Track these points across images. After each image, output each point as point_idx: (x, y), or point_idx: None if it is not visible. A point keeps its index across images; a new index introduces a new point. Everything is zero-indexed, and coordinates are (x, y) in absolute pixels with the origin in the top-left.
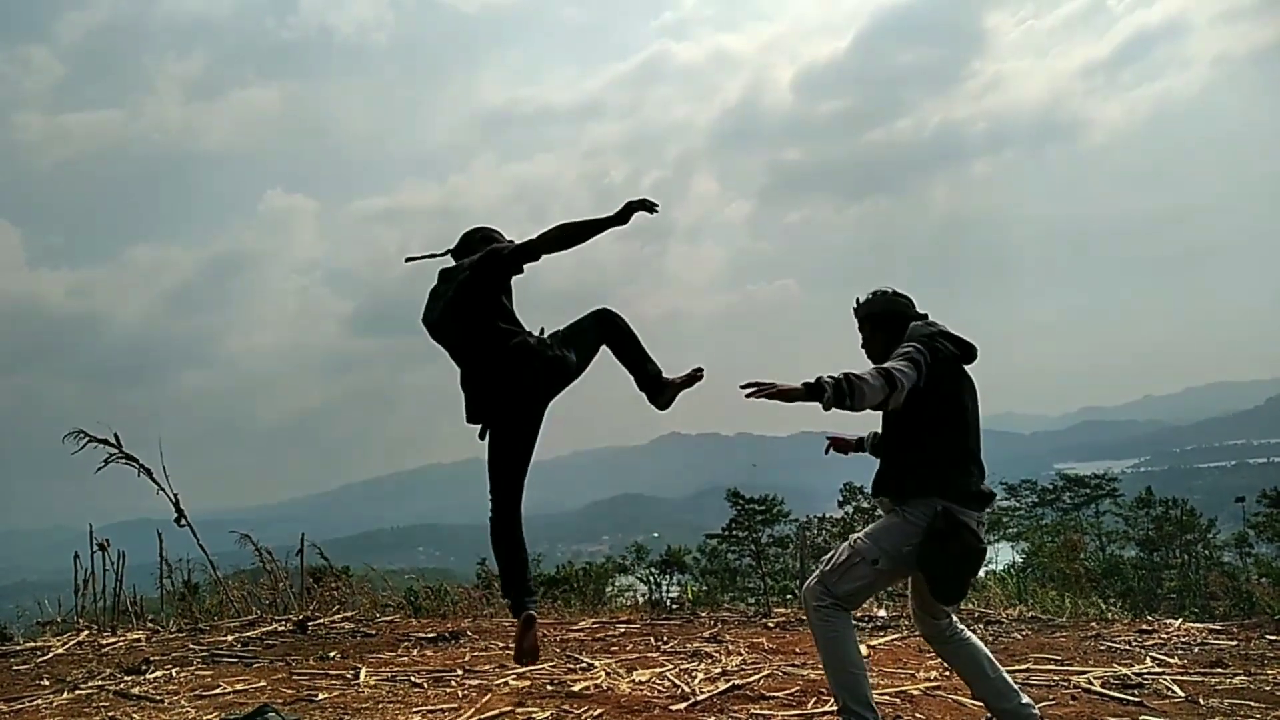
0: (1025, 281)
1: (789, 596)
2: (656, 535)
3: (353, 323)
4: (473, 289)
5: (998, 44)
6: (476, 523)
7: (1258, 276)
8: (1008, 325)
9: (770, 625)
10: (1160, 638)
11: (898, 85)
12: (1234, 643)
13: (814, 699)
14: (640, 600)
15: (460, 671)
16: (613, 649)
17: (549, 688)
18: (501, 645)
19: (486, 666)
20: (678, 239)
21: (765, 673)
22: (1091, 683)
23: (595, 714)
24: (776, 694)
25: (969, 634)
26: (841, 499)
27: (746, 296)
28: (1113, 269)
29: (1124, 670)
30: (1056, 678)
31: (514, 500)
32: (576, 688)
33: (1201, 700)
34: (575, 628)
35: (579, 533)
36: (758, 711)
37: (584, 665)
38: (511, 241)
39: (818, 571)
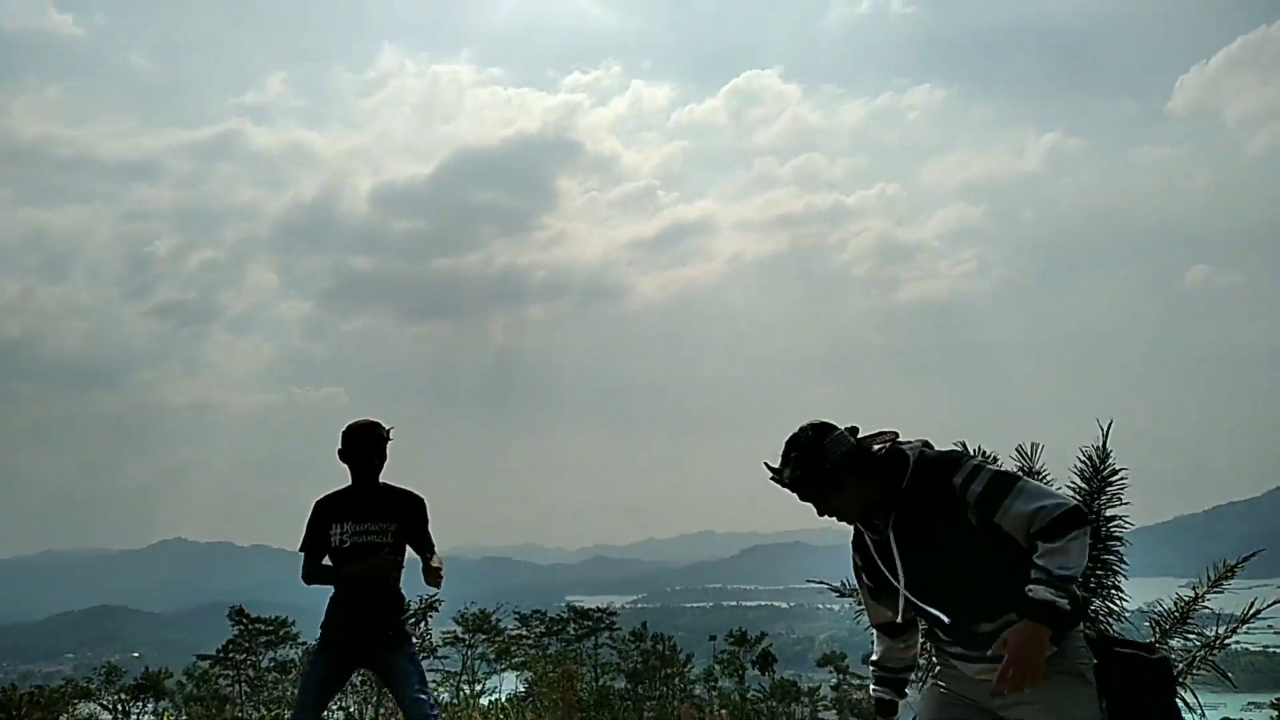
0: (566, 421)
1: None
2: (137, 655)
3: None
4: None
5: (566, 205)
6: None
7: (739, 446)
8: (545, 459)
9: None
10: None
11: (472, 220)
12: None
13: None
14: None
15: None
16: None
17: None
18: None
19: None
20: (223, 325)
21: None
22: None
23: None
24: None
25: None
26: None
27: (290, 398)
28: (638, 420)
29: None
30: None
31: None
32: None
33: None
34: None
35: (37, 649)
36: None
37: None
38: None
39: None
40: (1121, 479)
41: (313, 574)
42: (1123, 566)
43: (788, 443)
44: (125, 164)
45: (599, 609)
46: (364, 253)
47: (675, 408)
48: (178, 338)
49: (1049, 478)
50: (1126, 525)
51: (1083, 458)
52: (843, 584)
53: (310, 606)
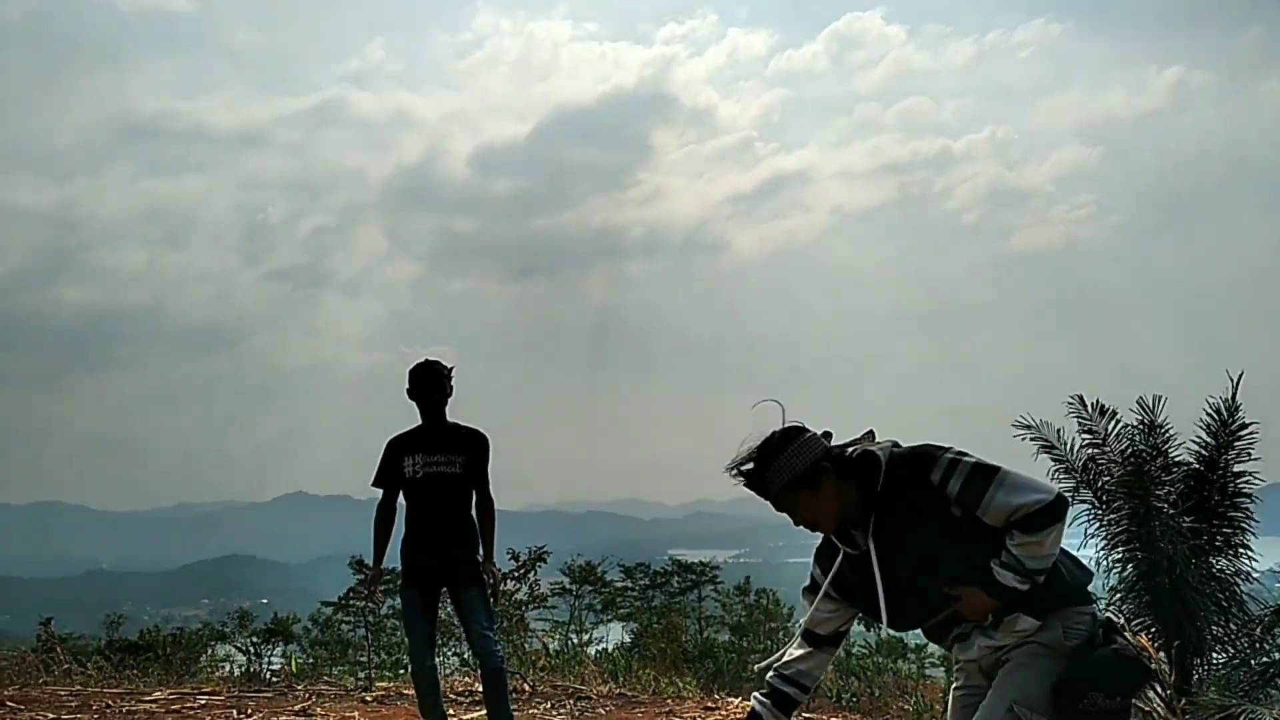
0: (665, 376)
1: (401, 671)
2: (265, 601)
3: None
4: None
5: (662, 160)
6: (46, 576)
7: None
8: (644, 416)
9: (368, 700)
10: (721, 714)
11: (570, 178)
12: None
13: None
14: (236, 672)
15: None
16: None
17: None
18: (52, 716)
19: None
20: (335, 288)
21: None
22: None
23: None
24: None
25: None
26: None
27: (400, 357)
28: (737, 375)
29: None
30: None
31: None
32: None
33: None
34: (147, 698)
35: (173, 595)
36: None
37: None
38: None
39: None
40: (1251, 433)
41: (378, 521)
42: (1252, 524)
43: (758, 446)
44: (237, 134)
45: (702, 563)
46: (466, 214)
47: (775, 363)
48: (292, 301)
49: (1171, 432)
50: (1257, 481)
51: (1209, 411)
52: None
53: None
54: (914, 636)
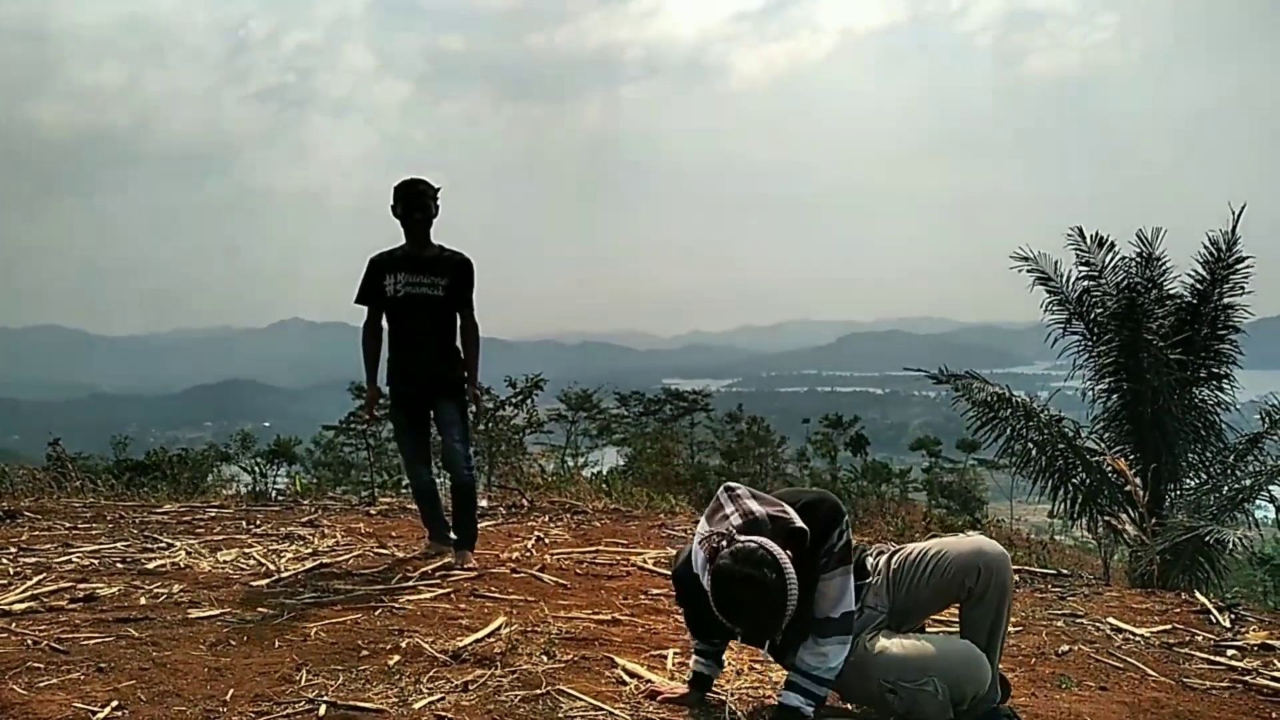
0: (663, 206)
1: (404, 490)
2: (267, 425)
3: None
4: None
5: None
6: (50, 399)
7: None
8: (641, 246)
9: (372, 512)
10: None
11: None
12: None
13: (399, 575)
14: (243, 490)
15: (15, 550)
16: (198, 530)
17: (119, 565)
18: (68, 525)
19: (48, 545)
20: (321, 111)
21: (356, 553)
22: (646, 562)
23: (170, 589)
24: (364, 571)
25: None
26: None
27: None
28: (733, 207)
29: (675, 552)
30: (619, 558)
31: None
32: (151, 565)
33: None
34: (159, 510)
35: (176, 418)
36: (341, 586)
37: (163, 545)
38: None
39: None
40: (1247, 267)
41: (366, 338)
42: (1238, 357)
43: (743, 584)
44: None
45: (695, 391)
46: (455, 29)
47: (777, 192)
48: (279, 123)
49: (1168, 263)
50: (1247, 315)
51: (1208, 244)
52: (941, 370)
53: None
54: (899, 462)
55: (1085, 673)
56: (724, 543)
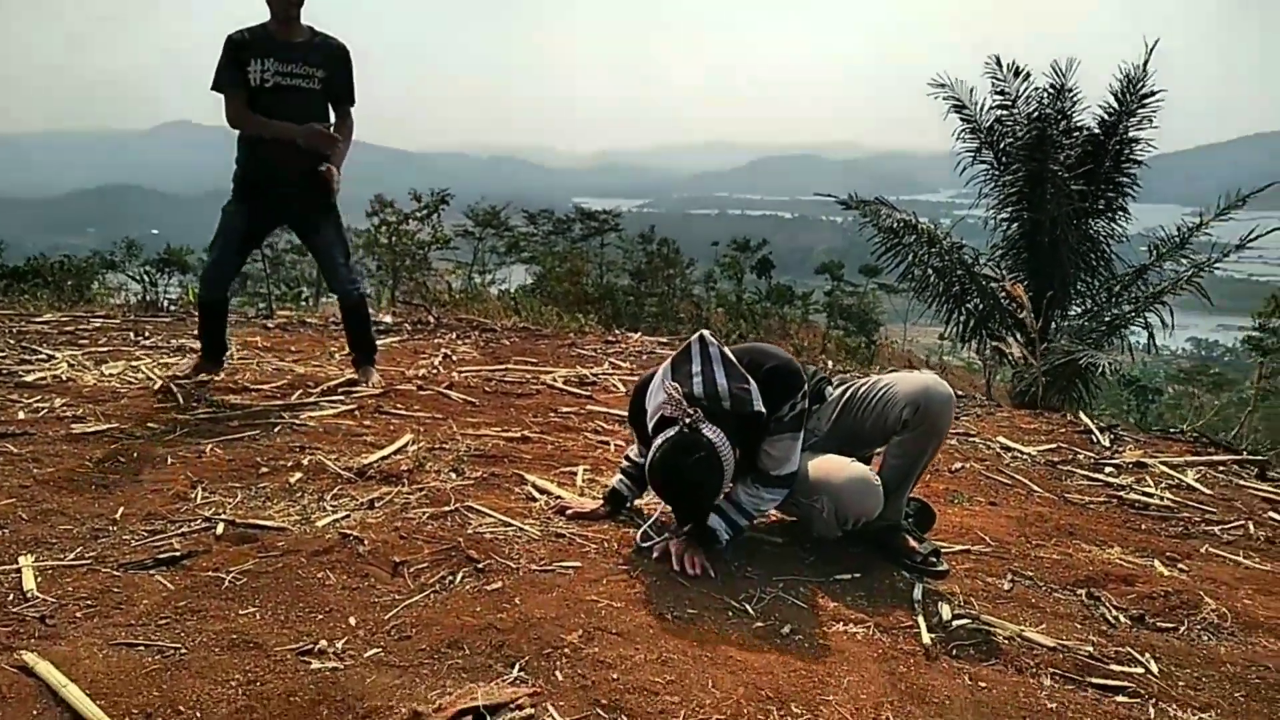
0: (577, 15)
1: (304, 300)
2: (155, 233)
3: None
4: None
5: None
6: None
7: (767, 47)
8: (557, 54)
9: (269, 326)
10: (620, 347)
11: None
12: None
13: (299, 391)
14: (132, 300)
15: None
16: (82, 342)
17: None
18: None
19: None
20: None
21: (251, 365)
22: (556, 380)
23: (51, 403)
24: (261, 386)
25: None
26: (371, 209)
27: None
28: (658, 11)
29: (585, 371)
30: (529, 376)
31: None
32: (30, 378)
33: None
34: (38, 320)
35: (57, 224)
36: (238, 402)
37: (43, 357)
38: None
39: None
40: (1157, 100)
41: (245, 119)
42: (1135, 189)
43: (677, 475)
44: None
45: (605, 211)
46: None
47: (696, 6)
48: None
49: (1079, 95)
50: (1150, 149)
51: (1120, 76)
52: (851, 195)
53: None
54: (803, 285)
55: (976, 489)
56: (681, 416)
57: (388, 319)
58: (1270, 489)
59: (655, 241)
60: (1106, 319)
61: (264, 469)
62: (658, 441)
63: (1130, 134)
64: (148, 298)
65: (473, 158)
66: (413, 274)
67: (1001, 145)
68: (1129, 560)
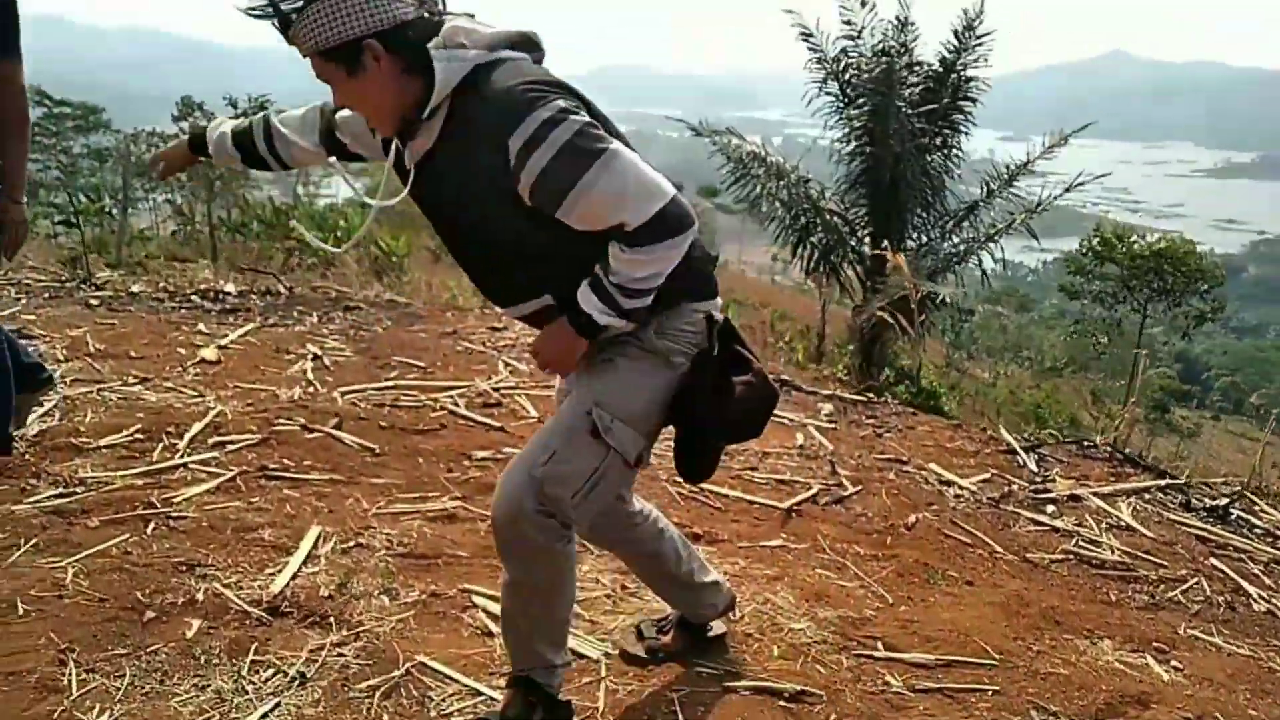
0: None
1: (110, 214)
2: None
3: None
4: None
5: None
6: None
7: None
8: None
9: (95, 302)
10: (509, 337)
11: None
12: None
13: (160, 441)
14: None
15: None
16: None
17: None
18: None
19: None
20: None
21: (91, 396)
22: (458, 404)
23: None
24: (108, 440)
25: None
26: (178, 113)
27: None
28: None
29: (483, 385)
30: (422, 395)
31: None
32: None
33: None
34: None
35: None
36: (91, 475)
37: None
38: None
39: (529, 467)
40: (992, 38)
41: None
42: (969, 126)
43: None
44: None
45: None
46: None
47: None
48: None
49: (919, 32)
50: (984, 87)
51: (960, 13)
52: (702, 122)
53: (120, 92)
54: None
55: (942, 558)
56: None
57: (230, 288)
58: (1199, 524)
59: None
60: (941, 254)
61: (149, 612)
62: None
63: (968, 72)
64: None
65: (293, 53)
66: (231, 187)
67: (847, 77)
68: (1126, 663)
